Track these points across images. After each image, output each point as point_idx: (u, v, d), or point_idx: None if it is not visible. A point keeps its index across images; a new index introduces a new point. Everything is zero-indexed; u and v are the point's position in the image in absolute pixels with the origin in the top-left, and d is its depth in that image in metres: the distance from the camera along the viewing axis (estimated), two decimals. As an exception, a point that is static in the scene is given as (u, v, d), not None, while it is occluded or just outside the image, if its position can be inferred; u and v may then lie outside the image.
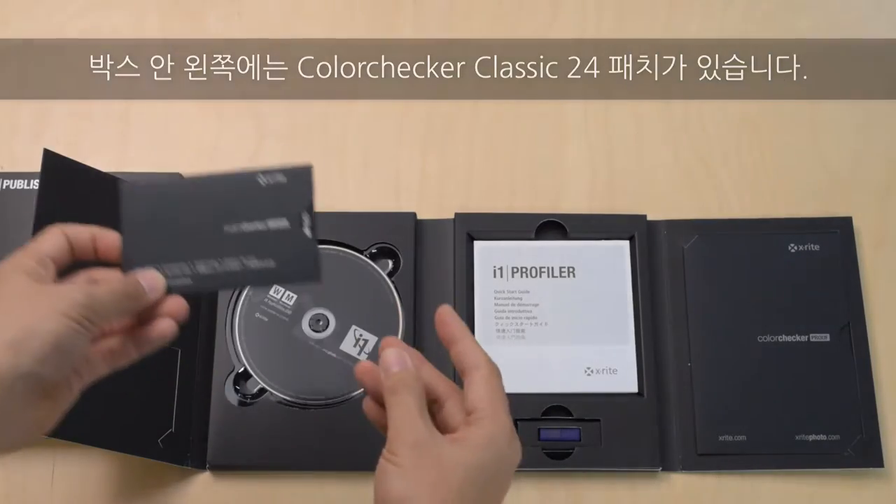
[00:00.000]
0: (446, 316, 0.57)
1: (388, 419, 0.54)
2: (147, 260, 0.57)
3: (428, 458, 0.52)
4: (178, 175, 0.63)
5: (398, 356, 0.55)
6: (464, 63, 0.88)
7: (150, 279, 0.56)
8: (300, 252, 0.58)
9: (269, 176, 0.57)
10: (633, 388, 0.76)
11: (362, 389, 0.74)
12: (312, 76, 0.87)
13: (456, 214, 0.80)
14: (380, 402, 0.57)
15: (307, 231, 0.58)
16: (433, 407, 0.56)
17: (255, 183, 0.57)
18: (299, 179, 0.57)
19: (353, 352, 0.76)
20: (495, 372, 0.55)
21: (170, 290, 0.57)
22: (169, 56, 0.88)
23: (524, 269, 0.79)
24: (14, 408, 0.49)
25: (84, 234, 0.56)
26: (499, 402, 0.54)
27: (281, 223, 0.57)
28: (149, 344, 0.57)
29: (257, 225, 0.57)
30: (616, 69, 0.88)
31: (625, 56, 0.88)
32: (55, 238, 0.55)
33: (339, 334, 0.77)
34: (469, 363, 0.55)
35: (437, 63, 0.88)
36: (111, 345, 0.56)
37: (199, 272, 0.57)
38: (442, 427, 0.55)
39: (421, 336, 0.77)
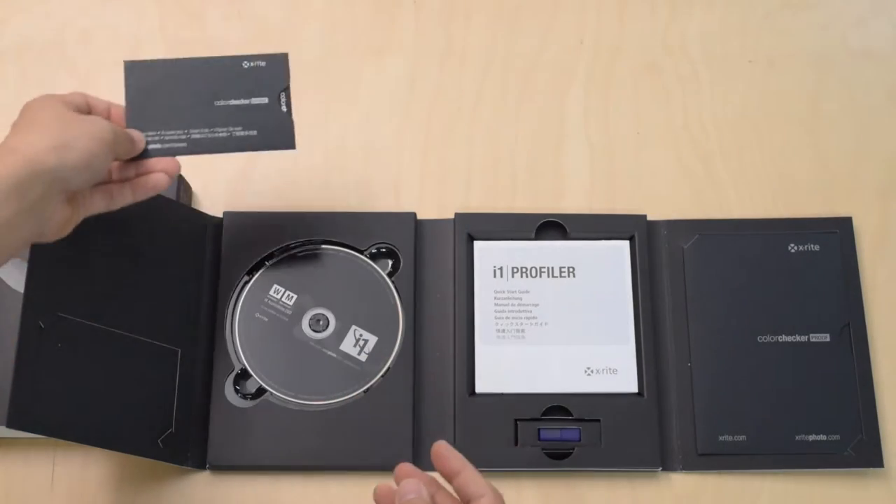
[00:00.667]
0: (443, 450, 0.58)
1: None
2: (149, 127, 0.68)
3: None
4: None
5: (416, 485, 0.57)
6: (464, 63, 0.88)
7: (139, 137, 0.68)
8: (278, 124, 0.70)
9: (251, 61, 0.69)
10: (633, 388, 0.76)
11: (361, 389, 0.75)
12: (312, 76, 0.87)
13: (456, 214, 0.80)
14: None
15: (283, 107, 0.69)
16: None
17: (239, 66, 0.69)
18: (276, 65, 0.70)
19: (353, 352, 0.76)
20: (499, 498, 0.57)
21: (169, 152, 0.68)
22: (168, 56, 0.88)
23: (524, 269, 0.79)
24: (51, 201, 0.60)
25: (102, 103, 0.68)
26: None
27: (262, 100, 0.69)
28: (144, 191, 0.67)
29: (242, 101, 0.69)
30: (616, 69, 0.88)
31: (625, 56, 0.88)
32: (80, 97, 0.66)
33: (339, 334, 0.77)
34: (472, 493, 0.57)
35: (437, 63, 0.88)
36: (112, 187, 0.66)
37: (193, 138, 0.69)
38: None
39: (421, 336, 0.77)
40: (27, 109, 0.64)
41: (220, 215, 0.80)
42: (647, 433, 0.74)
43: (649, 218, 0.80)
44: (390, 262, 0.79)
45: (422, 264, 0.79)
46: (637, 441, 0.74)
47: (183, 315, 0.76)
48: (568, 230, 0.80)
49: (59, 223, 0.62)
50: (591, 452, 0.74)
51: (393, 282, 0.78)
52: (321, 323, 0.77)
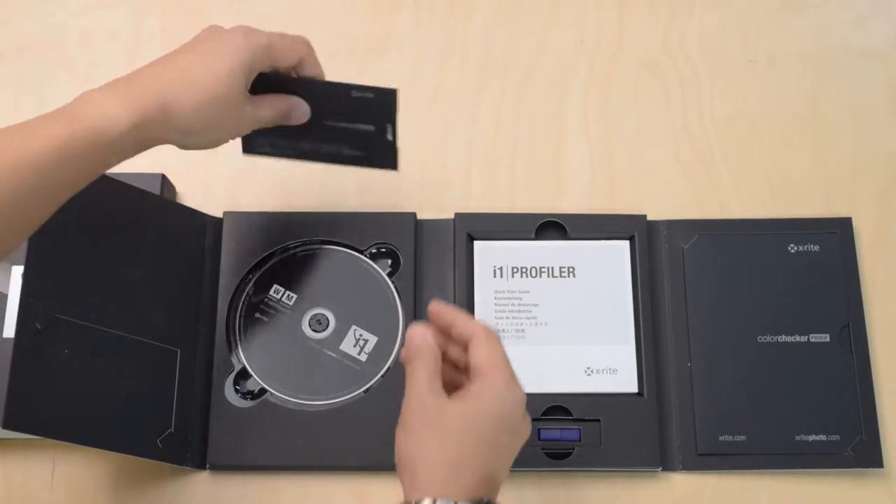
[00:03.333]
0: (435, 308, 0.62)
1: (406, 387, 0.59)
2: (263, 134, 0.71)
3: (430, 419, 0.57)
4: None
5: (422, 331, 0.60)
6: (464, 63, 0.88)
7: (302, 115, 0.70)
8: (382, 148, 0.71)
9: (360, 91, 0.69)
10: (633, 388, 0.76)
11: (361, 389, 0.75)
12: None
13: (456, 214, 0.80)
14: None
15: (389, 136, 0.71)
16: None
17: (348, 94, 0.69)
18: (384, 98, 0.69)
19: (353, 352, 0.76)
20: (492, 335, 0.60)
21: (275, 153, 0.73)
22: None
23: (524, 269, 0.79)
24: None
25: (293, 58, 0.69)
26: (496, 357, 0.59)
27: (368, 128, 0.71)
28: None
29: (349, 125, 0.71)
30: (616, 69, 0.88)
31: (625, 56, 0.88)
32: (277, 48, 0.68)
33: (339, 334, 0.77)
34: (466, 335, 0.60)
35: (437, 63, 0.88)
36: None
37: (302, 147, 0.72)
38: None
39: (421, 336, 0.77)
40: (203, 42, 0.66)
41: (220, 215, 0.80)
42: (647, 433, 0.74)
43: (649, 218, 0.80)
44: (390, 262, 0.79)
45: (422, 264, 0.79)
46: (637, 441, 0.74)
47: (183, 315, 0.76)
48: (568, 230, 0.80)
49: (244, 120, 0.67)
50: (591, 452, 0.74)
51: (393, 282, 0.78)
52: (321, 323, 0.77)
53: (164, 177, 0.79)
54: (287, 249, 0.79)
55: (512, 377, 0.59)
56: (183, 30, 0.88)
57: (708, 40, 0.89)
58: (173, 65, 0.63)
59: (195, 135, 0.64)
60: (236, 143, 0.85)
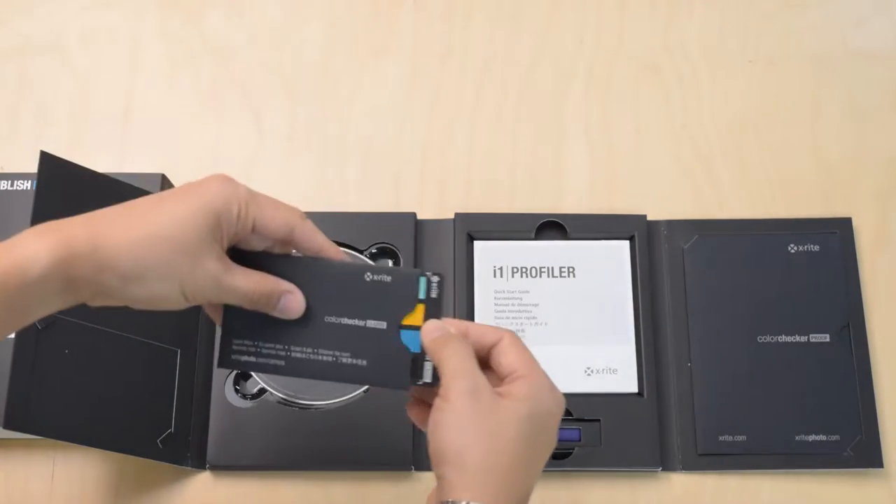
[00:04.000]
0: (440, 323, 0.55)
1: (443, 372, 0.53)
2: (246, 335, 0.57)
3: (484, 407, 0.51)
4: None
5: (438, 324, 0.55)
6: (464, 63, 0.88)
7: (293, 304, 0.56)
8: (394, 356, 0.56)
9: (375, 273, 0.56)
10: (633, 388, 0.76)
11: (361, 389, 0.75)
12: (312, 76, 0.87)
13: (456, 214, 0.80)
14: (424, 402, 0.56)
15: (403, 342, 0.56)
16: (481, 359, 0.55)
17: (360, 277, 0.56)
18: (405, 283, 0.56)
19: (353, 352, 0.76)
20: (518, 338, 0.55)
21: (260, 368, 0.57)
22: (169, 56, 0.88)
23: (524, 269, 0.79)
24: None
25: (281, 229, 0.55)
26: (532, 359, 0.54)
27: (379, 325, 0.56)
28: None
29: (357, 321, 0.56)
30: (616, 69, 0.88)
31: (625, 56, 0.88)
32: (250, 215, 0.54)
33: (339, 334, 0.76)
34: (489, 340, 0.55)
35: (437, 63, 0.88)
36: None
37: (293, 356, 0.57)
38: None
39: (421, 336, 0.77)
40: (173, 190, 0.54)
41: (220, 215, 0.80)
42: (647, 433, 0.74)
43: (649, 218, 0.80)
44: (390, 262, 0.79)
45: (422, 264, 0.79)
46: (637, 441, 0.74)
47: (182, 315, 0.75)
48: (568, 230, 0.80)
49: (211, 276, 0.53)
50: (591, 452, 0.74)
51: (393, 282, 0.78)
52: (321, 323, 0.77)
53: (164, 177, 0.79)
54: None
55: (552, 382, 0.54)
56: (183, 30, 0.89)
57: (708, 40, 0.89)
58: (123, 205, 0.52)
59: (136, 281, 0.50)
60: (239, 139, 0.85)
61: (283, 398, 0.75)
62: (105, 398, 0.69)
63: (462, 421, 0.51)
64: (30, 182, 0.77)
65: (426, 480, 0.75)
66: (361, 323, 0.56)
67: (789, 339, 0.77)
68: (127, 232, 0.50)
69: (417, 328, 0.56)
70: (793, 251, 0.79)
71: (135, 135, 0.86)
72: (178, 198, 0.52)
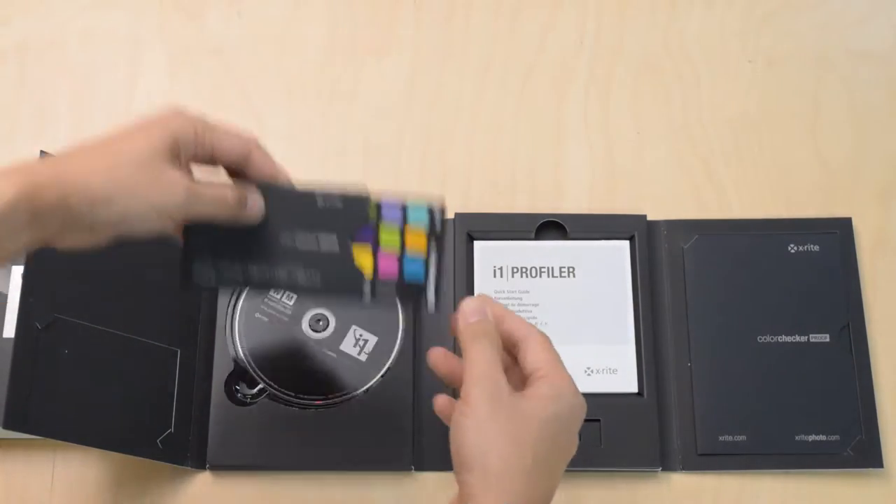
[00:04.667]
0: (483, 299, 0.57)
1: (466, 369, 0.53)
2: (206, 253, 0.59)
3: (505, 410, 0.52)
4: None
5: (479, 306, 0.56)
6: (464, 63, 0.88)
7: (258, 203, 0.58)
8: (347, 272, 0.59)
9: (326, 199, 0.59)
10: (633, 388, 0.76)
11: (361, 389, 0.75)
12: (312, 76, 0.87)
13: (456, 214, 0.80)
14: (453, 394, 0.57)
15: (356, 257, 0.59)
16: (509, 356, 0.56)
17: (314, 202, 0.59)
18: (355, 204, 0.59)
19: (353, 352, 0.76)
20: (548, 339, 0.56)
21: (221, 283, 0.60)
22: (168, 56, 0.88)
23: (524, 269, 0.79)
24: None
25: (233, 145, 0.58)
26: (558, 361, 0.55)
27: (331, 242, 0.59)
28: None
29: (310, 242, 0.59)
30: (616, 69, 0.88)
31: (625, 56, 0.88)
32: (206, 136, 0.57)
33: (339, 334, 0.77)
34: (520, 335, 0.56)
35: (437, 63, 0.88)
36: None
37: (251, 274, 0.60)
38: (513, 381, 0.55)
39: (421, 336, 0.77)
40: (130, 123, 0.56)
41: (220, 215, 0.80)
42: (647, 433, 0.74)
43: (649, 218, 0.80)
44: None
45: (422, 264, 0.79)
46: (637, 441, 0.74)
47: (183, 315, 0.76)
48: (568, 230, 0.80)
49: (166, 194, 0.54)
50: (591, 452, 0.74)
51: (393, 282, 0.78)
52: (321, 323, 0.77)
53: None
54: (287, 249, 0.79)
55: (575, 384, 0.55)
56: (183, 30, 0.89)
57: (708, 40, 0.89)
58: (82, 142, 0.54)
59: (104, 202, 0.52)
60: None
61: (283, 398, 0.75)
62: (105, 398, 0.69)
63: (481, 425, 0.51)
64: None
65: (426, 480, 0.75)
66: (315, 243, 0.59)
67: (789, 339, 0.77)
68: (90, 160, 0.52)
69: (421, 255, 0.59)
70: (793, 251, 0.79)
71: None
72: (136, 127, 0.55)
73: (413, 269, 0.59)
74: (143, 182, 0.53)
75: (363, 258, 0.60)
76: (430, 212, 0.60)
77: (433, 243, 0.59)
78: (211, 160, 0.57)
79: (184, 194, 0.54)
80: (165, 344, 0.73)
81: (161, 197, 0.54)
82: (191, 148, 0.55)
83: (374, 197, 0.60)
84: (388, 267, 0.60)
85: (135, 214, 0.53)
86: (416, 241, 0.60)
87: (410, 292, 0.60)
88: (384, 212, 0.60)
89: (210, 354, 0.76)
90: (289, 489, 0.74)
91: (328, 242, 0.59)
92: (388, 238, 0.60)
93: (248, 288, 0.61)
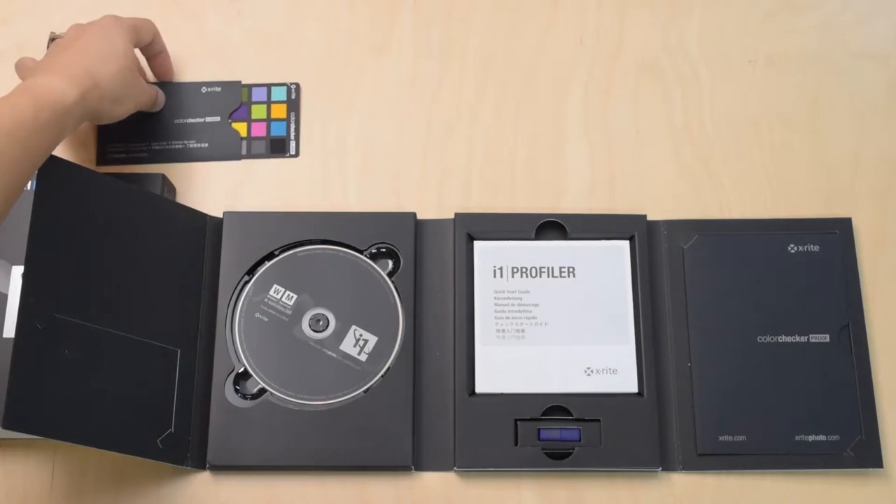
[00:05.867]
0: None
1: None
2: (116, 138, 0.83)
3: None
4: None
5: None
6: (464, 63, 0.88)
7: (161, 98, 0.84)
8: (228, 138, 0.83)
9: (208, 87, 0.84)
10: (633, 388, 0.76)
11: (361, 389, 0.75)
12: (312, 76, 0.87)
13: (456, 214, 0.80)
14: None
15: (233, 126, 0.83)
16: None
17: (198, 91, 0.84)
18: (231, 90, 0.84)
19: (353, 352, 0.76)
20: None
21: (132, 161, 0.83)
22: (169, 56, 0.88)
23: (524, 269, 0.79)
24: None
25: (159, 45, 0.84)
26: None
27: (214, 119, 0.84)
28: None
29: (198, 119, 0.84)
30: (616, 69, 0.88)
31: (625, 56, 0.88)
32: (147, 32, 0.82)
33: (339, 334, 0.77)
34: None
35: (437, 63, 0.88)
36: None
37: (153, 149, 0.83)
38: None
39: (421, 336, 0.77)
40: (86, 32, 0.76)
41: (220, 215, 0.80)
42: (647, 433, 0.74)
43: (649, 218, 0.80)
44: (390, 262, 0.79)
45: (422, 264, 0.79)
46: (637, 441, 0.74)
47: (183, 315, 0.76)
48: (568, 230, 0.80)
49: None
50: (591, 452, 0.74)
51: (393, 282, 0.78)
52: (321, 323, 0.77)
53: (164, 177, 0.79)
54: (287, 249, 0.79)
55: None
56: (183, 30, 0.89)
57: (708, 40, 0.89)
58: (83, 49, 0.74)
59: (119, 102, 0.75)
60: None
61: (283, 398, 0.75)
62: (105, 398, 0.69)
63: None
64: (30, 182, 0.77)
65: (426, 480, 0.75)
66: (201, 119, 0.84)
67: (789, 339, 0.77)
68: (109, 68, 0.74)
69: (283, 120, 0.85)
70: (793, 251, 0.79)
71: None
72: (109, 37, 0.76)
73: (277, 128, 0.84)
74: (135, 90, 0.78)
75: (239, 127, 0.84)
76: (288, 89, 0.85)
77: (292, 112, 0.84)
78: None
79: (154, 96, 0.82)
80: (165, 344, 0.73)
81: (143, 97, 0.80)
82: (133, 46, 0.79)
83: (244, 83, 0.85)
84: (259, 130, 0.84)
85: (129, 110, 0.78)
86: (279, 111, 0.85)
87: (278, 145, 0.83)
88: (254, 94, 0.85)
89: (210, 354, 0.76)
90: (289, 489, 0.74)
91: (212, 118, 0.83)
92: (258, 112, 0.85)
93: (151, 162, 0.83)
